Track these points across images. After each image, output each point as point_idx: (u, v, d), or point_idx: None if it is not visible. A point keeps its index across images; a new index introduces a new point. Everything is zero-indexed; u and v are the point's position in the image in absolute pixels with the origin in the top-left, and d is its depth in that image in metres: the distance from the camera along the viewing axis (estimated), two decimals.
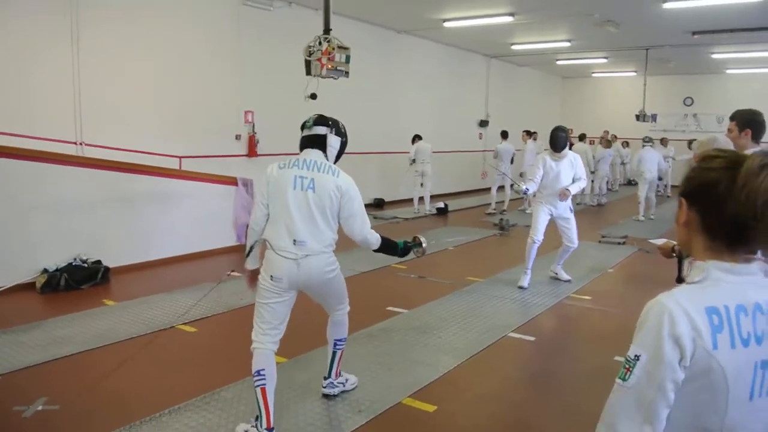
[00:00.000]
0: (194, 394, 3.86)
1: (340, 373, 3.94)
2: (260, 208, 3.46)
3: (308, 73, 5.38)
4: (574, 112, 22.02)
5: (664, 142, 16.52)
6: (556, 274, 7.08)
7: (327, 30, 5.51)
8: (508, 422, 3.74)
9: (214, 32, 9.76)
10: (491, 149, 14.88)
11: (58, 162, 6.68)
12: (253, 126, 10.50)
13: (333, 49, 5.19)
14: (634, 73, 18.78)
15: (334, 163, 3.56)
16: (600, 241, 9.70)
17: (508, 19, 11.45)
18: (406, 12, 11.63)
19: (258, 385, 3.36)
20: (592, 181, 13.86)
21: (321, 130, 3.49)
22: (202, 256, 7.87)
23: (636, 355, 1.21)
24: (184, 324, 5.26)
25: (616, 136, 17.78)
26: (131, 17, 8.48)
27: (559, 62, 17.98)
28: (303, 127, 3.54)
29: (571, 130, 21.77)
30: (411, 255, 4.03)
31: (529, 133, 13.63)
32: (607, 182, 15.75)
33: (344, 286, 3.76)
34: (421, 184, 12.44)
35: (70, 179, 6.72)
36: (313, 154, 3.44)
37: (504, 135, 13.16)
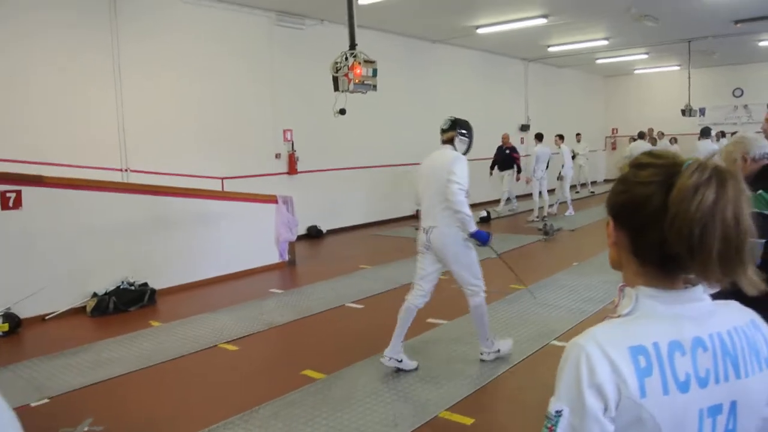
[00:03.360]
0: (234, 412, 3.89)
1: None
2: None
3: (336, 88, 5.43)
4: (619, 110, 21.56)
5: (717, 135, 15.93)
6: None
7: (353, 45, 5.55)
8: None
9: (250, 54, 9.98)
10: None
11: (105, 189, 6.92)
12: (293, 144, 10.65)
13: (360, 63, 5.22)
14: (678, 67, 18.26)
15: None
16: None
17: (542, 21, 11.33)
18: (437, 22, 11.64)
19: None
20: None
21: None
22: (246, 275, 7.98)
23: (557, 411, 1.02)
24: (227, 342, 5.34)
25: (662, 133, 17.31)
26: (168, 41, 8.78)
27: (599, 61, 17.64)
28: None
29: (616, 129, 21.44)
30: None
31: (561, 137, 13.37)
32: None
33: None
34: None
35: (117, 205, 6.94)
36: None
37: (539, 137, 12.92)
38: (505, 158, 13.07)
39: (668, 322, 1.03)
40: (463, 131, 4.60)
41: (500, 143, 13.33)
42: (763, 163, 3.03)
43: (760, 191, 2.86)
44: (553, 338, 5.16)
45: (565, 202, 13.13)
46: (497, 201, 13.64)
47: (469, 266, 4.52)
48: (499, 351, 4.68)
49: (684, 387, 1.00)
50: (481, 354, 4.67)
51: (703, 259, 0.97)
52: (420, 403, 3.95)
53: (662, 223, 0.99)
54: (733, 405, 1.03)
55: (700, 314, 1.05)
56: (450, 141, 4.56)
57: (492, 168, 13.15)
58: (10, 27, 7.22)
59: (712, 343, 1.03)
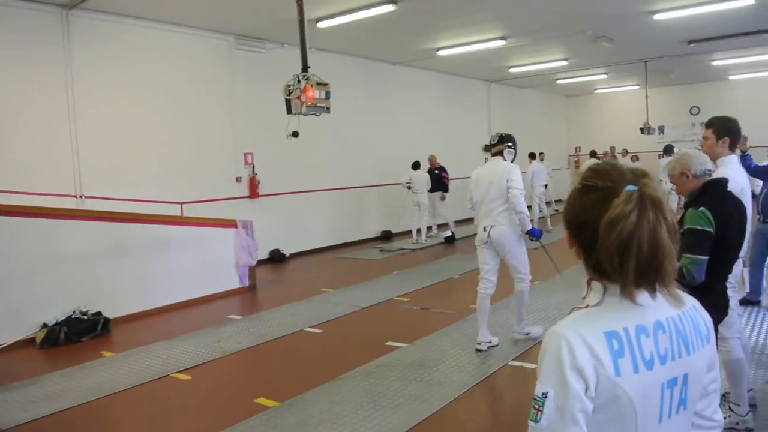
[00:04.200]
0: None
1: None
2: None
3: (289, 111, 5.41)
4: (581, 129, 21.94)
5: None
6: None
7: (305, 68, 5.54)
8: None
9: (209, 77, 9.91)
10: None
11: (59, 216, 6.74)
12: (254, 167, 10.56)
13: (312, 85, 5.20)
14: (637, 86, 18.67)
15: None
16: None
17: (501, 42, 11.48)
18: (398, 45, 11.72)
19: None
20: None
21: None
22: (205, 301, 7.83)
23: (543, 393, 1.15)
24: (180, 372, 5.20)
25: (626, 150, 17.62)
26: (125, 65, 8.66)
27: (559, 81, 17.94)
28: None
29: (578, 148, 21.79)
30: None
31: (533, 156, 13.60)
32: None
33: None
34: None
35: (72, 232, 6.76)
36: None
37: (532, 156, 13.45)
38: (435, 179, 12.59)
39: (632, 310, 1.18)
40: (510, 144, 5.44)
41: (429, 165, 12.90)
42: (704, 179, 3.08)
43: (701, 208, 2.90)
44: (511, 358, 5.15)
45: (544, 218, 13.46)
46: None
47: (521, 258, 5.33)
48: (528, 333, 5.53)
49: (649, 365, 1.17)
50: (513, 333, 5.61)
51: (622, 279, 1.15)
52: (376, 430, 3.88)
53: (599, 246, 1.17)
54: (686, 377, 1.23)
55: (653, 302, 1.20)
56: (500, 153, 5.41)
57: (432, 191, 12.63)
58: None
59: (668, 326, 1.21)
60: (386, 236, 13.33)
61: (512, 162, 5.42)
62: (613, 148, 17.32)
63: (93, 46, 8.27)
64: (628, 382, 1.14)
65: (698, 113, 19.60)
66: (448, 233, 12.73)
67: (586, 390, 1.12)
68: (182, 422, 4.23)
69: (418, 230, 12.41)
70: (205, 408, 4.48)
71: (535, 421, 1.15)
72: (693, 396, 1.26)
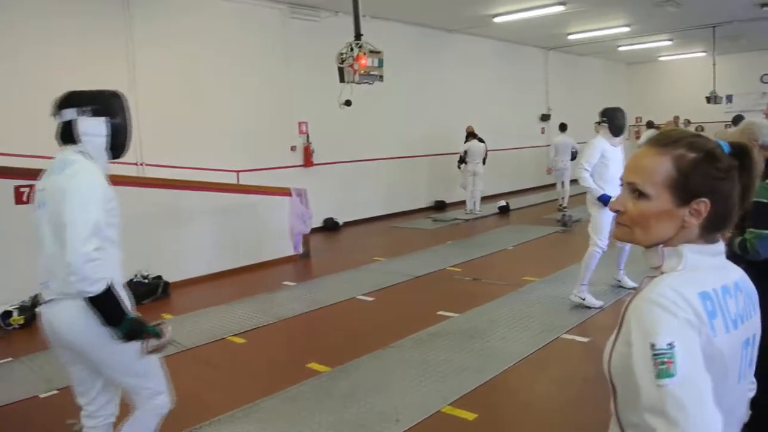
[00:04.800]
0: (238, 404, 3.90)
1: None
2: None
3: (342, 80, 5.39)
4: (642, 98, 21.10)
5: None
6: (620, 281, 6.33)
7: (358, 35, 5.50)
8: (555, 428, 3.59)
9: (263, 47, 9.98)
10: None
11: (120, 183, 6.91)
12: (308, 136, 10.63)
13: (365, 53, 5.16)
14: (704, 54, 17.82)
15: (115, 157, 2.63)
16: None
17: (560, 8, 11.11)
18: (453, 11, 11.49)
19: None
20: None
21: (67, 114, 2.45)
22: (260, 268, 7.99)
23: (669, 344, 1.05)
24: (235, 335, 5.36)
25: (689, 121, 16.94)
26: (182, 37, 8.81)
27: (621, 48, 17.29)
28: None
29: (639, 118, 20.99)
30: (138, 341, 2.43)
31: (563, 127, 12.90)
32: None
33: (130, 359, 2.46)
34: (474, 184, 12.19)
35: (131, 199, 6.96)
36: (61, 152, 2.50)
37: (562, 128, 12.64)
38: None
39: (715, 271, 1.20)
40: (603, 118, 5.78)
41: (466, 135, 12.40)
42: None
43: (767, 180, 2.76)
44: (563, 332, 5.08)
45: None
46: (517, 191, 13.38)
47: (595, 223, 5.70)
48: (584, 300, 5.66)
49: (735, 324, 1.16)
50: (572, 295, 5.76)
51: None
52: (423, 398, 3.91)
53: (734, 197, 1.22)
54: (754, 338, 1.24)
55: (725, 263, 1.25)
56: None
57: (461, 162, 12.21)
58: (25, 28, 7.30)
59: (743, 286, 1.23)
60: (439, 206, 13.27)
61: (616, 135, 5.75)
62: (676, 118, 16.65)
63: (152, 18, 8.44)
64: (722, 342, 1.11)
65: None
66: (503, 203, 12.57)
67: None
68: (237, 384, 4.36)
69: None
70: (259, 371, 4.61)
71: (670, 375, 1.04)
72: (754, 357, 1.26)
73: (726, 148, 1.21)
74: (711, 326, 1.10)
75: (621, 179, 1.28)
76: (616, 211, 1.27)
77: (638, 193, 1.22)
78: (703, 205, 1.18)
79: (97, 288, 2.22)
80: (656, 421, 1.05)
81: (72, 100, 2.45)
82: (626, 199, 1.24)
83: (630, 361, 1.11)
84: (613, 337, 1.23)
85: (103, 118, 2.44)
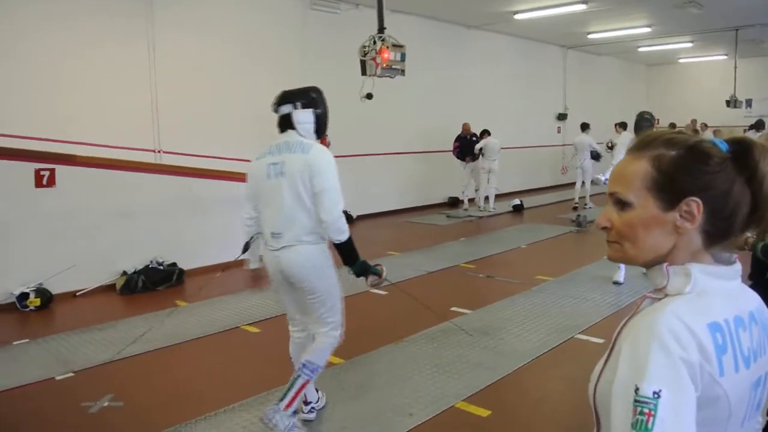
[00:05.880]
0: (250, 393, 3.93)
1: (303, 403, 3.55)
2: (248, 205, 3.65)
3: (363, 73, 5.40)
4: (661, 100, 20.90)
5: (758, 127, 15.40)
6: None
7: (381, 29, 5.48)
8: (567, 427, 3.58)
9: (284, 38, 9.98)
10: (570, 143, 14.41)
11: (138, 170, 7.01)
12: None
13: (388, 47, 5.15)
14: (725, 57, 17.63)
15: (318, 138, 3.37)
16: None
17: (582, 7, 11.04)
18: (474, 7, 11.45)
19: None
20: None
21: (285, 109, 3.32)
22: None
23: (655, 392, 0.90)
24: (249, 324, 5.38)
25: (706, 125, 16.77)
26: (203, 25, 8.83)
27: (641, 49, 17.15)
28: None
29: (658, 120, 20.81)
30: (364, 279, 3.50)
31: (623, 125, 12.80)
32: None
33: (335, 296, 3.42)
34: (488, 181, 12.14)
35: (149, 186, 7.04)
36: (286, 136, 3.30)
37: (583, 127, 12.54)
38: (470, 145, 12.14)
39: (727, 298, 1.03)
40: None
41: (461, 133, 12.32)
42: None
43: None
44: (577, 332, 5.06)
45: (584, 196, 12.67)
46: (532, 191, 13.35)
47: None
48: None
49: (747, 362, 1.01)
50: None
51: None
52: (437, 393, 3.91)
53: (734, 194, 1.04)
54: (765, 376, 1.07)
55: (741, 289, 1.08)
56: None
57: (464, 158, 12.23)
58: (45, 8, 7.33)
59: (759, 317, 1.06)
60: (453, 202, 13.26)
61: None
62: (694, 121, 16.49)
63: (173, 4, 8.45)
64: (729, 382, 0.97)
65: None
66: (517, 201, 12.54)
67: (695, 389, 0.94)
68: (250, 372, 4.39)
69: (486, 197, 12.27)
70: (272, 360, 4.61)
71: (646, 429, 0.90)
72: (765, 398, 1.10)
73: (723, 146, 1.06)
74: (718, 363, 0.96)
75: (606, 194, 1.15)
76: (604, 229, 1.13)
77: (621, 204, 1.09)
78: (695, 205, 1.03)
79: (345, 236, 3.18)
80: None
81: (287, 98, 3.32)
82: (611, 213, 1.11)
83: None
84: (601, 362, 1.09)
85: (310, 110, 3.28)
